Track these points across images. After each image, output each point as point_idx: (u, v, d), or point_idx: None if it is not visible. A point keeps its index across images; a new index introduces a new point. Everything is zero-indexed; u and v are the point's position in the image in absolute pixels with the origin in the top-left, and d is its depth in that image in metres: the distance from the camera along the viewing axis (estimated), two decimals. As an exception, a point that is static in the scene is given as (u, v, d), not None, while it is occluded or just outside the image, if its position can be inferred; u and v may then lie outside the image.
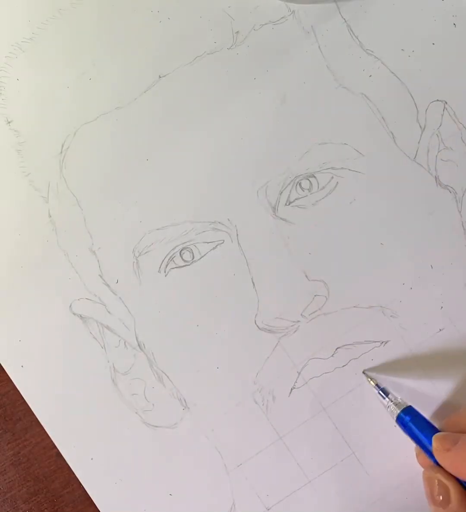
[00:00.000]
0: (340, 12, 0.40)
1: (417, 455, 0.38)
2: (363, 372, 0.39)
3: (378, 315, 0.39)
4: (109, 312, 0.40)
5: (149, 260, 0.40)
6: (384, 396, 0.38)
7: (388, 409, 0.37)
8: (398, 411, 0.37)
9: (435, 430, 0.36)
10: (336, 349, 0.39)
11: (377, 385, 0.38)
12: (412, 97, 0.40)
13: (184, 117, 0.40)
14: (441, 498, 0.34)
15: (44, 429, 0.40)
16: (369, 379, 0.39)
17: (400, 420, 0.37)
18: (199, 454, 0.39)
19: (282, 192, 0.40)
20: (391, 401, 0.37)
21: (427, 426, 0.36)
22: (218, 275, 0.40)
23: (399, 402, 0.37)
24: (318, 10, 0.40)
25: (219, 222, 0.40)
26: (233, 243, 0.40)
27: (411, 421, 0.36)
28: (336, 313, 0.39)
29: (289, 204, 0.40)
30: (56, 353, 0.40)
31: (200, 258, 0.40)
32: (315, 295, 0.39)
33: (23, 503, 0.41)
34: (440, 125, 0.40)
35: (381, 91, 0.40)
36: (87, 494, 0.40)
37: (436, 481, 0.35)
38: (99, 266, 0.40)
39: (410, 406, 0.37)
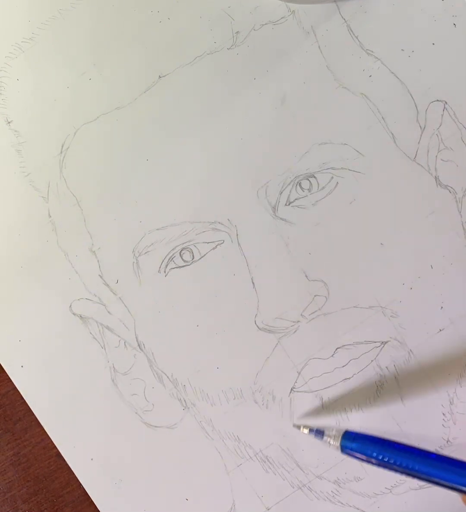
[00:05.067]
0: (340, 12, 0.40)
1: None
2: (293, 425, 0.39)
3: (378, 315, 0.39)
4: (109, 312, 0.40)
5: (149, 260, 0.40)
6: (320, 436, 0.37)
7: (331, 446, 0.37)
8: (339, 443, 0.36)
9: (379, 443, 0.35)
10: (336, 349, 0.39)
11: (310, 430, 0.38)
12: (412, 97, 0.40)
13: (184, 117, 0.40)
14: None
15: (44, 429, 0.40)
16: (301, 427, 0.38)
17: (346, 450, 0.36)
18: (199, 454, 0.39)
19: (282, 192, 0.40)
20: (329, 437, 0.37)
21: (370, 442, 0.36)
22: (218, 275, 0.40)
23: (335, 434, 0.37)
24: (318, 10, 0.40)
25: (219, 222, 0.40)
26: (233, 243, 0.40)
27: (356, 448, 0.36)
28: (336, 313, 0.39)
29: (289, 204, 0.40)
30: (56, 353, 0.40)
31: (200, 258, 0.40)
32: (315, 295, 0.39)
33: (23, 503, 0.41)
34: (440, 125, 0.40)
35: (381, 91, 0.40)
36: (87, 494, 0.40)
37: None
38: (99, 266, 0.40)
39: (346, 431, 0.36)
